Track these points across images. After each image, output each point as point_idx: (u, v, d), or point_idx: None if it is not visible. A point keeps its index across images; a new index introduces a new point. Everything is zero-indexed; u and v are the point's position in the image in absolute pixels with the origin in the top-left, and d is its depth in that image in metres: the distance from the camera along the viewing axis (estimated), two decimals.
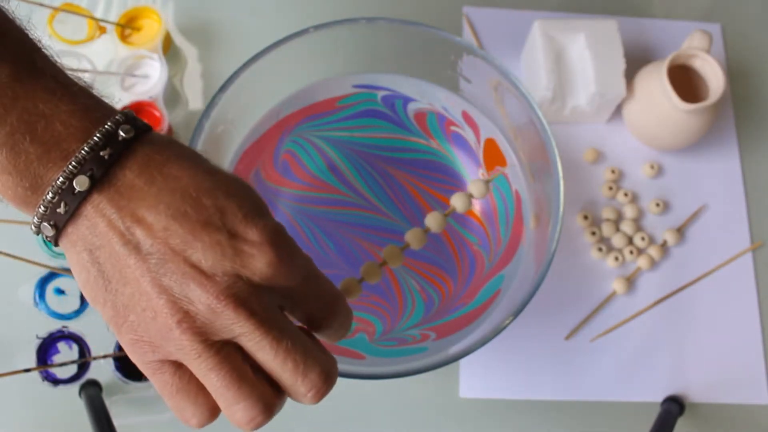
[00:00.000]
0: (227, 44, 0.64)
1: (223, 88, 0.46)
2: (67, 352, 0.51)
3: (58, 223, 0.26)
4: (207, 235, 0.26)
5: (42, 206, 0.26)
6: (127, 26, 0.60)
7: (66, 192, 0.25)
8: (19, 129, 0.25)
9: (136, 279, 0.26)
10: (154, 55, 0.59)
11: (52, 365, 0.49)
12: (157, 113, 0.57)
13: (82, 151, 0.25)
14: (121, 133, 0.26)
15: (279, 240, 0.27)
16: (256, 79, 0.47)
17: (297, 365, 0.27)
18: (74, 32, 0.59)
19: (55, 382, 0.50)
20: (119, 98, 0.57)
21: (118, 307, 0.26)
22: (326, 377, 0.28)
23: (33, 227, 0.27)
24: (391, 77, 0.53)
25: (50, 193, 0.25)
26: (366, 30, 0.49)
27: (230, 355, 0.26)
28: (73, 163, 0.25)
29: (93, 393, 0.50)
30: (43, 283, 0.52)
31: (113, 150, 0.26)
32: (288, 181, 0.51)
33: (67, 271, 0.51)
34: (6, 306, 0.54)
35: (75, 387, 0.51)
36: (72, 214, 0.26)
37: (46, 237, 0.27)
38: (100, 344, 0.52)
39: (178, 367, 0.27)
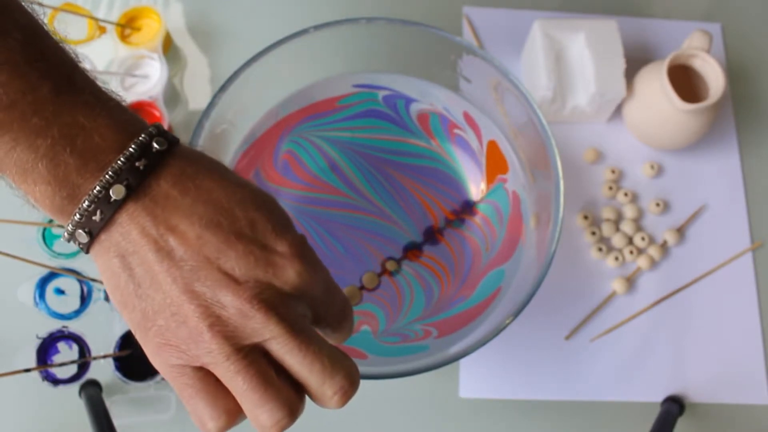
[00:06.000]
0: (227, 44, 0.64)
1: (223, 88, 0.46)
2: (67, 352, 0.51)
3: (92, 230, 0.27)
4: (240, 244, 0.27)
5: (78, 214, 0.27)
6: (127, 26, 0.60)
7: (102, 201, 0.26)
8: (60, 141, 0.26)
9: (168, 284, 0.27)
10: (154, 55, 0.59)
11: (52, 365, 0.49)
12: (157, 113, 0.57)
13: (119, 162, 0.26)
14: (155, 145, 0.27)
15: (305, 252, 0.29)
16: (256, 79, 0.47)
17: (324, 367, 0.28)
18: (74, 32, 0.59)
19: (55, 382, 0.50)
20: None
21: (147, 312, 0.27)
22: (352, 379, 0.29)
23: (66, 234, 0.28)
24: (391, 77, 0.53)
25: (86, 201, 0.26)
26: (366, 30, 0.49)
27: (257, 359, 0.27)
28: (110, 173, 0.26)
29: (93, 393, 0.50)
30: (43, 283, 0.52)
31: (148, 161, 0.27)
32: (288, 182, 0.51)
33: (67, 271, 0.51)
34: (6, 306, 0.54)
35: (75, 387, 0.51)
36: (106, 222, 0.27)
37: (79, 244, 0.28)
38: (100, 344, 0.52)
39: (199, 370, 0.28)
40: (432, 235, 0.51)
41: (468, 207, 0.51)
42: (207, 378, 0.28)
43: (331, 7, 0.64)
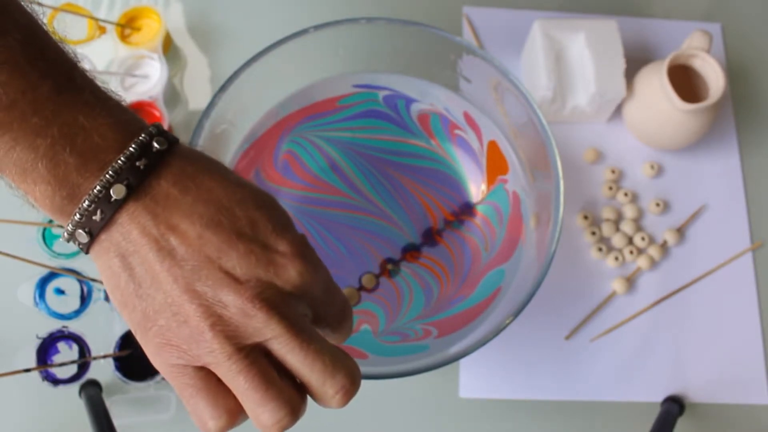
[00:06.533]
0: (227, 44, 0.64)
1: (223, 88, 0.46)
2: (67, 352, 0.51)
3: (92, 230, 0.27)
4: (242, 244, 0.27)
5: (78, 214, 0.27)
6: (127, 26, 0.60)
7: (102, 200, 0.26)
8: (60, 141, 0.26)
9: (169, 284, 0.27)
10: (154, 55, 0.59)
11: (52, 365, 0.49)
12: (157, 113, 0.57)
13: (119, 161, 0.26)
14: (156, 144, 0.27)
15: (306, 252, 0.29)
16: (256, 79, 0.47)
17: (326, 366, 0.28)
18: (74, 32, 0.59)
19: (55, 382, 0.50)
20: None
21: (148, 312, 0.27)
22: (353, 378, 0.29)
23: (66, 235, 0.27)
24: (391, 77, 0.53)
25: (87, 201, 0.26)
26: (366, 30, 0.49)
27: (259, 358, 0.27)
28: (110, 172, 0.26)
29: (93, 393, 0.50)
30: (43, 283, 0.52)
31: (149, 161, 0.27)
32: (289, 182, 0.51)
33: (67, 271, 0.51)
34: (6, 306, 0.54)
35: (75, 387, 0.51)
36: (107, 222, 0.27)
37: (79, 244, 0.28)
38: (100, 344, 0.52)
39: (200, 370, 0.28)
40: (431, 237, 0.51)
41: (468, 209, 0.51)
42: (208, 378, 0.28)
43: (331, 7, 0.64)
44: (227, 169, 0.30)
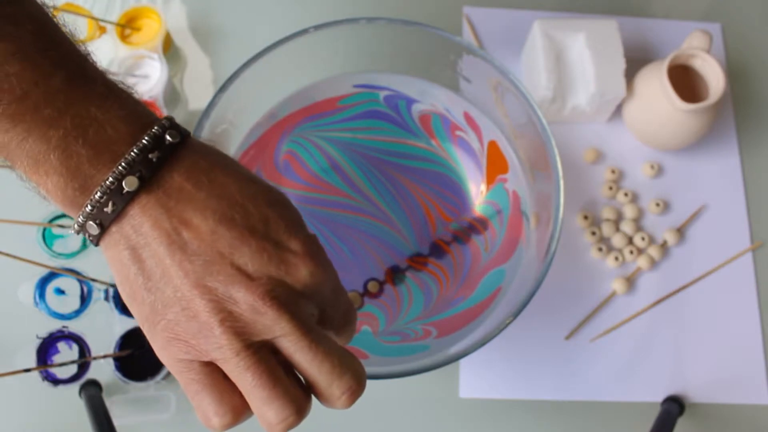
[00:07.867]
0: (227, 44, 0.64)
1: (223, 88, 0.46)
2: (67, 352, 0.51)
3: (103, 222, 0.27)
4: (254, 240, 0.27)
5: (89, 205, 0.26)
6: (127, 26, 0.60)
7: (114, 192, 0.26)
8: (72, 132, 0.26)
9: (179, 278, 0.26)
10: (154, 55, 0.59)
11: (52, 365, 0.49)
12: (157, 113, 0.57)
13: (132, 153, 0.26)
14: (168, 137, 0.27)
15: (318, 252, 0.29)
16: (256, 79, 0.47)
17: (334, 366, 0.28)
18: (74, 32, 0.59)
19: (55, 382, 0.50)
20: None
21: (156, 306, 0.27)
22: (359, 379, 0.29)
23: (76, 227, 0.27)
24: (392, 77, 0.53)
25: (99, 192, 0.26)
26: (366, 30, 0.49)
27: (267, 356, 0.27)
28: (123, 164, 0.26)
29: (93, 393, 0.50)
30: (43, 283, 0.52)
31: (161, 153, 0.27)
32: (290, 181, 0.51)
33: (67, 271, 0.51)
34: (6, 306, 0.54)
35: (75, 387, 0.51)
36: (118, 214, 0.27)
37: (90, 236, 0.27)
38: (100, 344, 0.52)
39: (207, 365, 0.27)
40: (438, 249, 0.50)
41: (477, 223, 0.51)
42: (214, 373, 0.27)
43: (331, 7, 0.64)
44: (238, 164, 0.30)
